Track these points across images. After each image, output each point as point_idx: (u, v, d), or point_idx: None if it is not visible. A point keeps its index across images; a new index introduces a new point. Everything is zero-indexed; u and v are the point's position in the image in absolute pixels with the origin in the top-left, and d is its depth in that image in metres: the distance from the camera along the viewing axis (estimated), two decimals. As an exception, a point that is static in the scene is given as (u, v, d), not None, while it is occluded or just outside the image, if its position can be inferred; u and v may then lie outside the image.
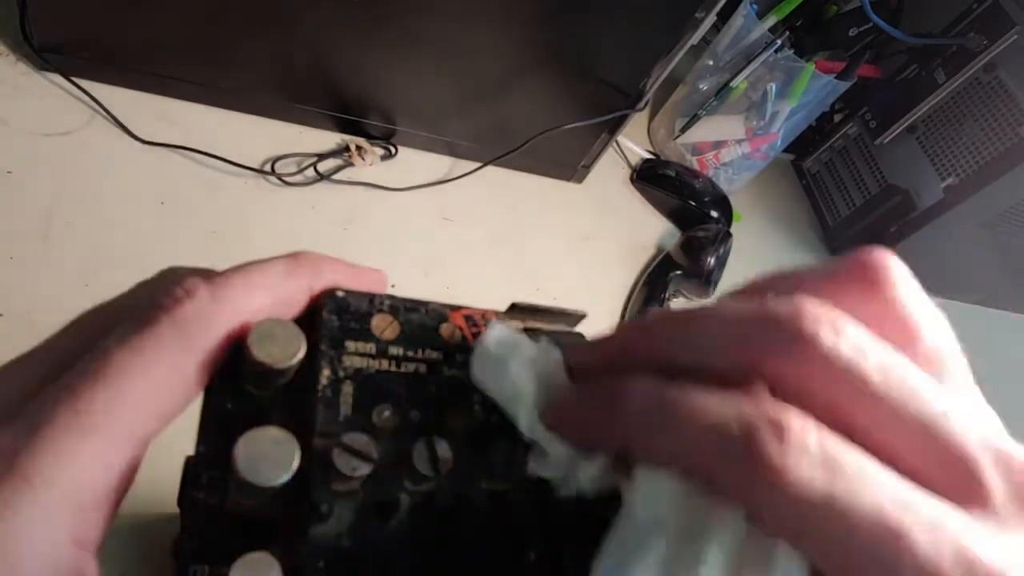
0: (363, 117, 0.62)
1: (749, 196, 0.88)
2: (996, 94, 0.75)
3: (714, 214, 0.77)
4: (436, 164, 0.66)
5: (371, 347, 0.18)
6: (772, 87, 0.75)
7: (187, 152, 0.55)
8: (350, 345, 0.18)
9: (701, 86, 0.80)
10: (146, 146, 0.54)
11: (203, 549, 0.15)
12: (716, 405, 0.14)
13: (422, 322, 0.19)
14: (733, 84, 0.76)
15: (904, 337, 0.15)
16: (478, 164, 0.66)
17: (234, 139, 0.57)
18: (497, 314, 0.21)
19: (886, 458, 0.14)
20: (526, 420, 0.17)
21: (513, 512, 0.17)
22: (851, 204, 0.89)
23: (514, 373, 0.18)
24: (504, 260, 0.64)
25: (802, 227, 0.92)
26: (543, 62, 0.62)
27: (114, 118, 0.53)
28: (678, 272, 0.68)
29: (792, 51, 0.73)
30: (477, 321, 0.20)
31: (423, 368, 0.18)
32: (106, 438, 0.14)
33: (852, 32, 0.75)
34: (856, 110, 0.90)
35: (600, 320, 0.65)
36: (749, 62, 0.74)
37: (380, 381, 0.18)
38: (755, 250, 0.82)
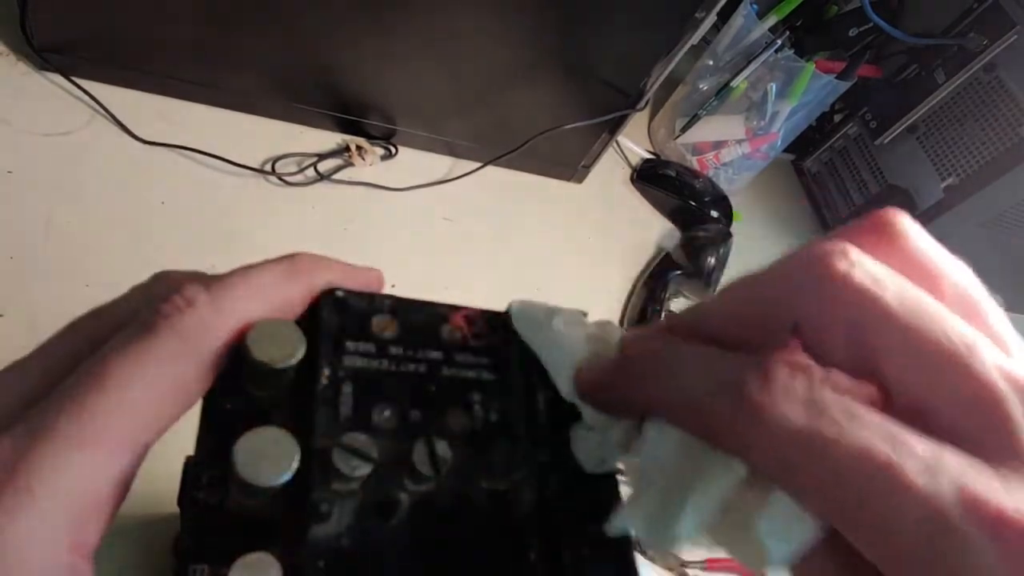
0: (363, 117, 0.62)
1: (749, 196, 0.88)
2: (996, 94, 0.75)
3: (714, 214, 0.77)
4: (436, 164, 0.66)
5: (371, 347, 0.18)
6: (772, 87, 0.75)
7: (187, 152, 0.55)
8: (350, 345, 0.18)
9: (701, 86, 0.80)
10: (146, 146, 0.54)
11: (203, 549, 0.15)
12: (716, 356, 0.15)
13: (422, 322, 0.19)
14: (733, 84, 0.76)
15: (928, 282, 0.15)
16: (478, 164, 0.66)
17: (234, 139, 0.57)
18: (497, 314, 0.21)
19: (905, 400, 0.13)
20: (565, 385, 0.18)
21: (513, 512, 0.17)
22: (851, 204, 0.89)
23: (558, 328, 0.19)
24: (504, 260, 0.64)
25: (802, 227, 0.92)
26: (543, 62, 0.62)
27: (114, 118, 0.53)
28: (678, 272, 0.68)
29: (792, 51, 0.73)
30: (477, 321, 0.20)
31: (423, 368, 0.18)
32: (106, 447, 0.14)
33: (852, 32, 0.75)
34: (856, 110, 0.90)
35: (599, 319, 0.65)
36: (749, 62, 0.74)
37: (380, 381, 0.18)
38: (755, 250, 0.82)
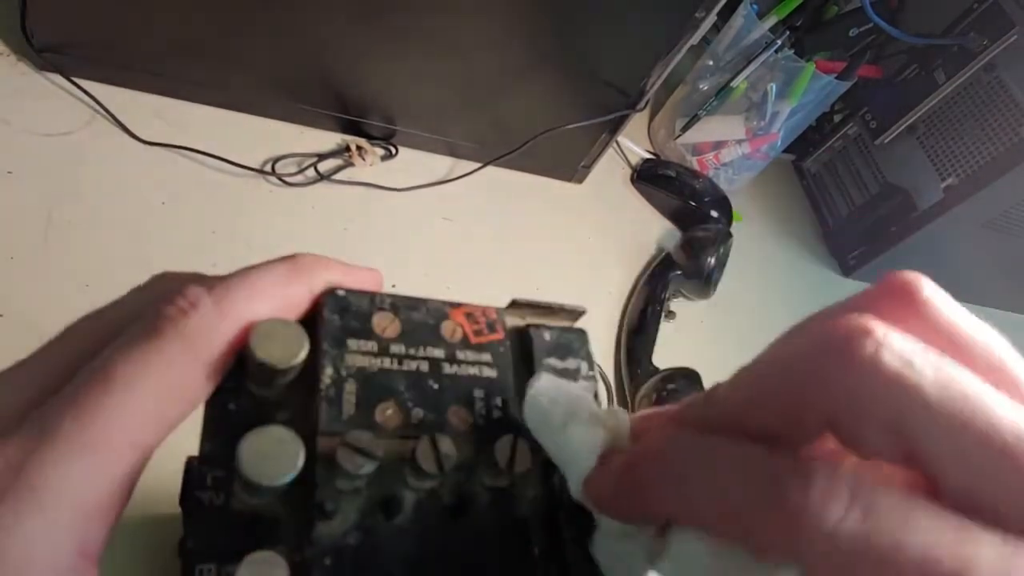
0: (363, 117, 0.62)
1: (749, 196, 0.88)
2: (996, 94, 0.75)
3: (714, 214, 0.77)
4: (436, 164, 0.66)
5: (373, 345, 0.18)
6: (772, 87, 0.75)
7: (187, 152, 0.55)
8: (352, 344, 0.18)
9: (701, 86, 0.80)
10: (146, 146, 0.54)
11: (210, 549, 0.15)
12: (743, 457, 0.14)
13: (423, 320, 0.19)
14: (733, 84, 0.76)
15: (957, 353, 0.14)
16: (478, 164, 0.66)
17: (234, 139, 0.57)
18: (497, 311, 0.21)
19: (954, 491, 0.13)
20: (578, 491, 0.17)
21: (516, 508, 0.17)
22: (851, 204, 0.89)
23: (572, 435, 0.17)
24: (504, 260, 0.64)
25: (802, 227, 0.92)
26: (543, 62, 0.62)
27: (114, 118, 0.53)
28: (678, 272, 0.68)
29: (792, 51, 0.73)
30: (478, 318, 0.20)
31: (425, 366, 0.18)
32: (111, 450, 0.14)
33: (852, 32, 0.75)
34: (856, 110, 0.90)
35: (600, 320, 0.65)
36: (749, 62, 0.74)
37: (383, 379, 0.18)
38: (755, 250, 0.82)
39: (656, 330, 0.64)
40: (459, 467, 0.17)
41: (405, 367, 0.18)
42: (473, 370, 0.19)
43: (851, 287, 0.87)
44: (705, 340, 0.70)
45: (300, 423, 0.16)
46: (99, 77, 0.54)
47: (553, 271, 0.66)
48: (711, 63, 0.79)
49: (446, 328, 0.19)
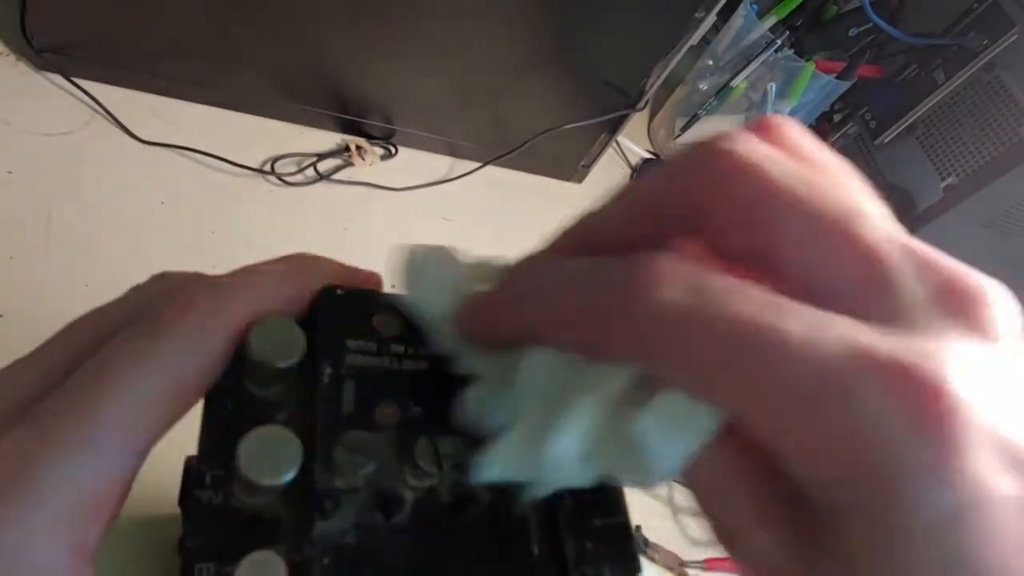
0: (363, 117, 0.62)
1: (749, 196, 0.88)
2: (996, 94, 0.75)
3: (714, 214, 0.77)
4: (436, 164, 0.66)
5: (372, 345, 0.18)
6: (772, 87, 0.75)
7: (187, 152, 0.55)
8: (351, 343, 0.18)
9: (701, 86, 0.80)
10: (146, 146, 0.54)
11: (209, 548, 0.15)
12: (601, 262, 0.14)
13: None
14: (733, 84, 0.76)
15: (811, 169, 0.15)
16: (478, 164, 0.66)
17: (234, 139, 0.57)
18: None
19: (797, 279, 0.13)
20: (448, 335, 0.17)
21: (515, 507, 0.18)
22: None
23: (435, 278, 0.18)
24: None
25: (802, 227, 0.92)
26: (543, 62, 0.62)
27: (114, 118, 0.53)
28: (678, 272, 0.68)
29: (792, 51, 0.73)
30: None
31: (424, 365, 0.18)
32: (108, 448, 0.14)
33: (852, 32, 0.75)
34: (856, 110, 0.90)
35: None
36: (749, 62, 0.74)
37: (381, 378, 0.18)
38: (755, 250, 0.82)
39: (656, 330, 0.64)
40: (458, 467, 0.17)
41: (405, 366, 0.18)
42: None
43: (851, 287, 0.87)
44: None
45: (299, 423, 0.16)
46: (99, 77, 0.54)
47: (553, 271, 0.66)
48: (711, 63, 0.79)
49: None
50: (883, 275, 0.13)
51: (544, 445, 0.14)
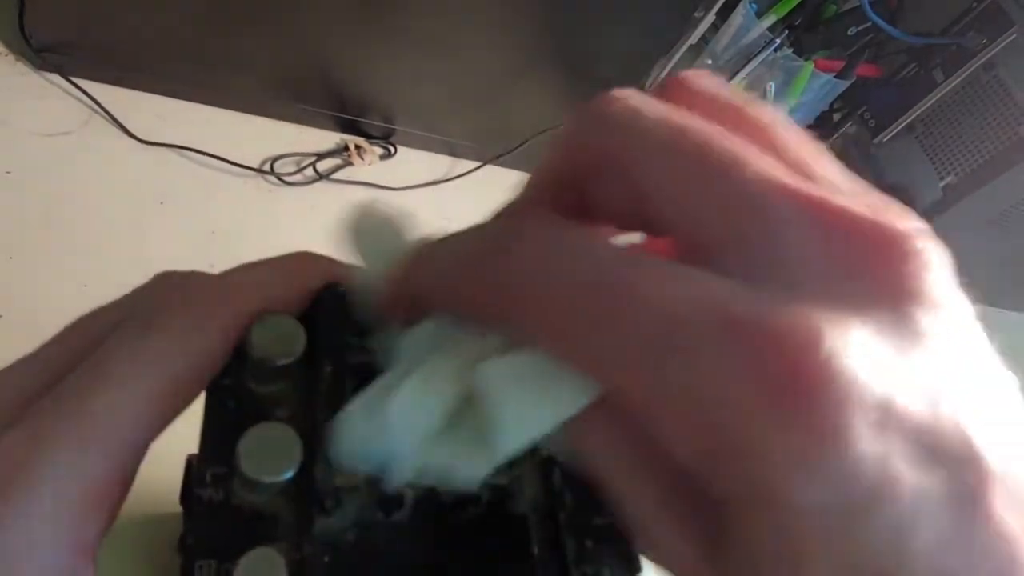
0: (362, 116, 0.62)
1: (748, 195, 0.88)
2: (995, 93, 0.75)
3: (713, 213, 0.77)
4: (435, 164, 0.66)
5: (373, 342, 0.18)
6: (771, 86, 0.75)
7: (186, 152, 0.55)
8: (352, 340, 0.18)
9: (700, 85, 0.80)
10: (145, 146, 0.54)
11: (209, 545, 0.15)
12: (473, 230, 0.15)
13: None
14: (732, 83, 0.76)
15: (724, 119, 0.13)
16: (477, 164, 0.66)
17: (233, 139, 0.57)
18: None
19: (674, 237, 0.12)
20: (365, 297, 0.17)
21: (516, 506, 0.18)
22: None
23: (375, 250, 0.18)
24: (504, 259, 0.64)
25: (801, 226, 0.92)
26: (542, 61, 0.62)
27: (113, 118, 0.53)
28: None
29: (791, 50, 0.73)
30: None
31: None
32: (107, 444, 0.14)
33: (851, 31, 0.75)
34: (855, 109, 0.90)
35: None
36: (748, 61, 0.74)
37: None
38: (754, 249, 0.82)
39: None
40: None
41: None
42: None
43: (850, 286, 0.87)
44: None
45: (300, 420, 0.16)
46: (97, 77, 0.54)
47: (552, 270, 0.66)
48: (710, 62, 0.79)
49: None
50: (762, 227, 0.11)
51: (386, 401, 0.14)
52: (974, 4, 0.77)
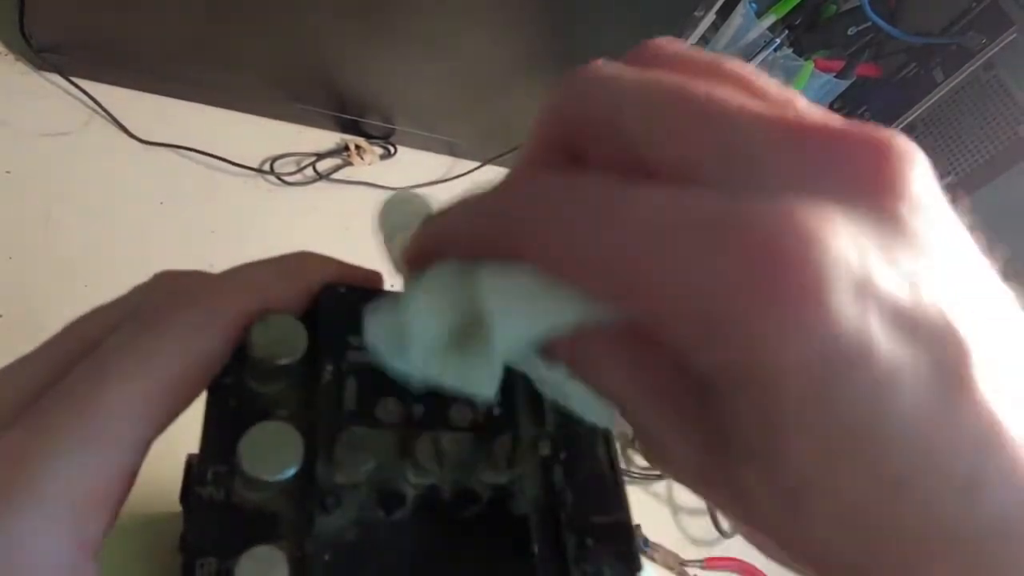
0: (362, 116, 0.62)
1: (748, 195, 0.88)
2: (995, 93, 0.75)
3: (713, 213, 0.77)
4: (435, 164, 0.66)
5: None
6: (771, 86, 0.75)
7: (186, 152, 0.55)
8: (352, 341, 0.18)
9: (700, 85, 0.80)
10: (145, 146, 0.54)
11: (210, 543, 0.15)
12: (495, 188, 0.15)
13: None
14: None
15: (699, 75, 0.14)
16: (477, 163, 0.66)
17: (233, 139, 0.57)
18: None
19: (661, 168, 0.13)
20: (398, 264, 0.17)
21: (516, 506, 0.18)
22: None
23: (399, 216, 0.18)
24: (503, 259, 0.64)
25: (801, 226, 0.92)
26: (542, 61, 0.62)
27: (113, 118, 0.53)
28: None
29: (791, 50, 0.73)
30: None
31: None
32: (108, 444, 0.14)
33: (851, 31, 0.75)
34: (855, 109, 0.90)
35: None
36: (748, 61, 0.74)
37: (383, 376, 0.18)
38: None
39: (655, 329, 0.64)
40: (459, 464, 0.17)
41: None
42: None
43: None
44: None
45: (300, 419, 0.16)
46: (97, 77, 0.54)
47: (552, 270, 0.66)
48: (710, 62, 0.79)
49: None
50: (742, 148, 0.12)
51: (401, 303, 0.15)
52: (974, 4, 0.77)
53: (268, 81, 0.58)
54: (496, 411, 0.18)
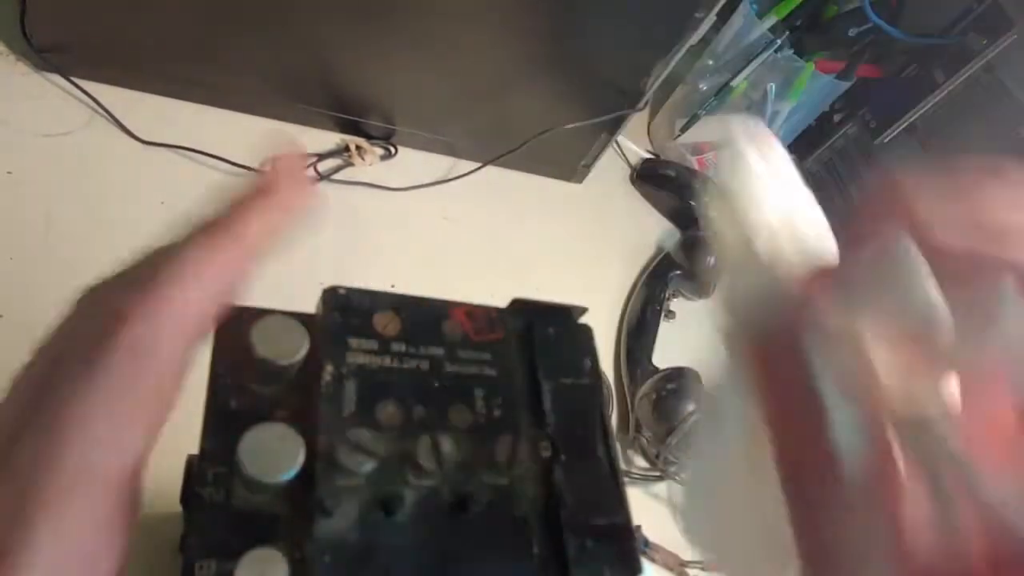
0: (363, 117, 0.62)
1: (749, 196, 0.88)
2: (996, 94, 0.75)
3: (714, 214, 0.77)
4: (436, 164, 0.66)
5: (373, 344, 0.18)
6: (772, 87, 0.75)
7: (187, 152, 0.55)
8: (353, 342, 0.18)
9: (701, 86, 0.80)
10: (146, 146, 0.54)
11: (210, 545, 0.15)
12: None
13: (424, 318, 0.19)
14: (733, 84, 0.76)
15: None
16: (478, 164, 0.66)
17: (233, 139, 0.57)
18: (498, 310, 0.21)
19: None
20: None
21: (516, 507, 0.18)
22: (851, 204, 0.89)
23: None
24: (504, 260, 0.64)
25: (802, 227, 0.92)
26: (543, 62, 0.62)
27: (114, 118, 0.53)
28: (678, 272, 0.68)
29: (792, 51, 0.73)
30: (479, 317, 0.20)
31: (425, 364, 0.18)
32: (89, 491, 0.14)
33: (852, 32, 0.75)
34: (856, 110, 0.90)
35: (600, 319, 0.65)
36: (749, 62, 0.74)
37: (383, 377, 0.18)
38: (755, 250, 0.82)
39: (656, 330, 0.64)
40: (459, 465, 0.17)
41: (406, 365, 0.18)
42: (474, 369, 0.19)
43: (851, 287, 0.87)
44: (705, 340, 0.70)
45: (301, 421, 0.16)
46: (98, 77, 0.54)
47: (553, 271, 0.66)
48: (711, 63, 0.79)
49: (447, 327, 0.19)
50: None
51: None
52: (974, 5, 0.77)
53: (269, 82, 0.58)
54: (496, 413, 0.18)
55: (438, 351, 0.19)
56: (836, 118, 0.93)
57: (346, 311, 0.18)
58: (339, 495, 0.16)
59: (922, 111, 0.81)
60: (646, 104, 0.68)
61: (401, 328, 0.19)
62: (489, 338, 0.20)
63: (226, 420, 0.16)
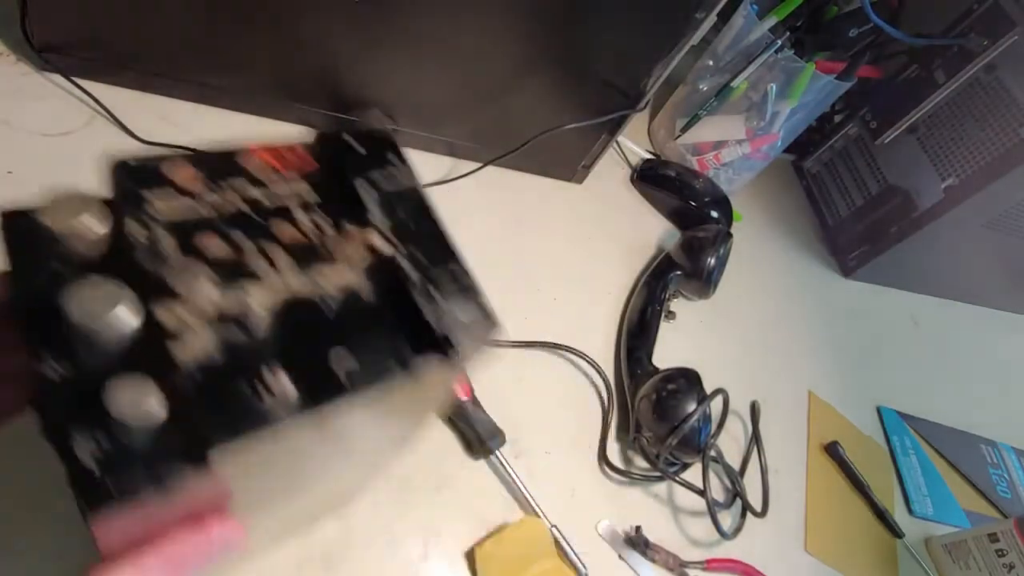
0: (363, 117, 0.62)
1: (749, 196, 0.88)
2: (996, 94, 0.75)
3: (714, 214, 0.77)
4: (436, 164, 0.66)
5: (182, 199, 0.18)
6: (772, 87, 0.75)
7: (187, 152, 0.55)
8: (157, 203, 0.18)
9: (701, 86, 0.80)
10: (146, 146, 0.54)
11: (70, 411, 0.14)
12: None
13: (224, 165, 0.19)
14: (733, 84, 0.76)
15: None
16: (478, 164, 0.66)
17: (234, 139, 0.57)
18: (305, 144, 0.21)
19: None
20: None
21: (366, 295, 0.18)
22: (851, 204, 0.89)
23: None
24: (504, 260, 0.64)
25: (802, 227, 0.92)
26: (543, 62, 0.62)
27: (114, 118, 0.53)
28: (678, 272, 0.68)
29: (792, 51, 0.73)
30: (284, 154, 0.20)
31: (245, 207, 0.19)
32: None
33: (852, 33, 0.75)
34: (856, 110, 0.90)
35: (600, 320, 0.65)
36: (749, 62, 0.74)
37: (202, 227, 0.18)
38: (755, 250, 0.82)
39: (656, 330, 0.64)
40: (298, 272, 0.18)
41: (223, 212, 0.18)
42: (295, 200, 0.19)
43: (851, 287, 0.87)
44: (705, 340, 0.70)
45: (125, 278, 0.16)
46: (99, 77, 0.54)
47: (553, 271, 0.66)
48: (711, 63, 0.79)
49: (252, 165, 0.20)
50: None
51: None
52: (975, 5, 0.77)
53: (269, 82, 0.58)
54: (324, 226, 0.19)
55: (253, 191, 0.19)
56: (837, 119, 0.93)
57: (139, 175, 0.18)
58: (183, 322, 0.16)
59: (922, 111, 0.81)
60: (646, 105, 0.68)
61: (203, 179, 0.19)
62: (304, 170, 0.20)
63: (37, 300, 0.16)
